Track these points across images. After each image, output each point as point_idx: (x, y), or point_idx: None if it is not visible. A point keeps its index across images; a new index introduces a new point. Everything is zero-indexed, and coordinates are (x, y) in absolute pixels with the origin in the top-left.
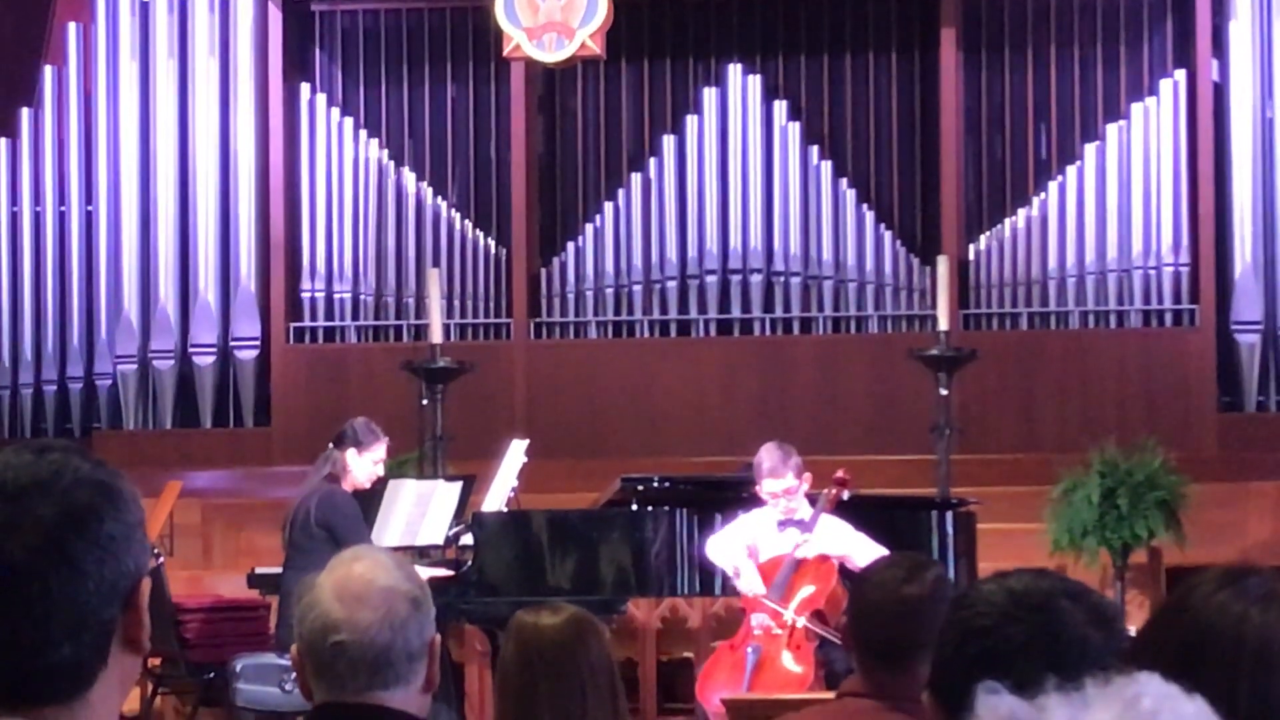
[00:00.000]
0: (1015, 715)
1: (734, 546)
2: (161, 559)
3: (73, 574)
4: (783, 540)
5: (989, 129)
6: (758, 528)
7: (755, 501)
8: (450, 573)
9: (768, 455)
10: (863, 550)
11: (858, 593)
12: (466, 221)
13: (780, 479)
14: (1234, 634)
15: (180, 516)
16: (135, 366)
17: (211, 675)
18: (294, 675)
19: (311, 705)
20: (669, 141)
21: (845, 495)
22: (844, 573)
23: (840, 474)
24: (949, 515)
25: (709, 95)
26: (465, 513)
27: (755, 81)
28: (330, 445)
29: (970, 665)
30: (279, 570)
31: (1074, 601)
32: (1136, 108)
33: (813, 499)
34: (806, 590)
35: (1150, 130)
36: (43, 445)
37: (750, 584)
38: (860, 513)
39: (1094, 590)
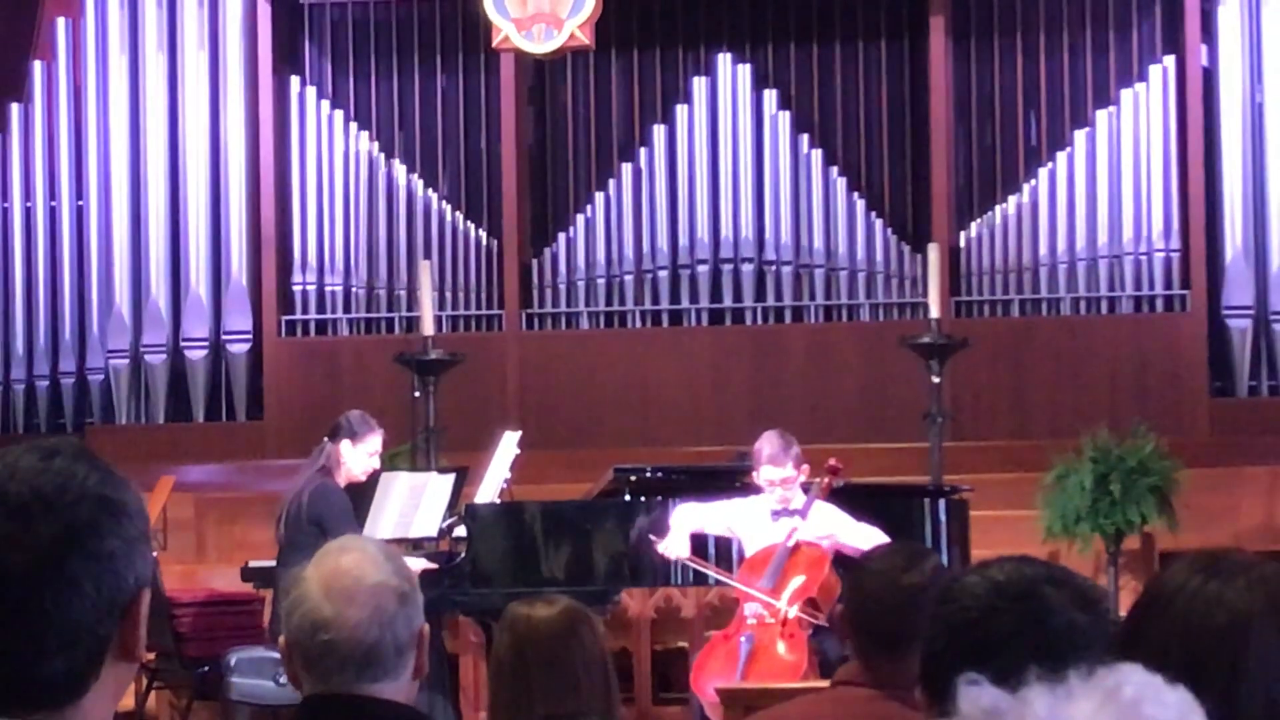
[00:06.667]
0: (997, 706)
1: (699, 515)
2: (154, 554)
3: (70, 591)
4: (776, 530)
5: (979, 116)
6: (750, 516)
7: (748, 490)
8: (442, 566)
9: (769, 443)
10: (854, 533)
11: (857, 582)
12: (457, 213)
13: (780, 467)
14: (1203, 615)
15: (173, 511)
16: (127, 361)
17: (206, 669)
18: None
19: (302, 697)
20: (659, 131)
21: (838, 483)
22: (838, 560)
23: (832, 462)
24: (941, 503)
25: (699, 85)
26: (458, 504)
27: (745, 71)
28: (325, 439)
29: (960, 659)
30: (273, 564)
31: (1058, 587)
32: (1126, 94)
33: (805, 487)
34: (799, 579)
35: (1140, 116)
36: (50, 448)
37: (670, 546)
38: (853, 501)
39: (1077, 574)
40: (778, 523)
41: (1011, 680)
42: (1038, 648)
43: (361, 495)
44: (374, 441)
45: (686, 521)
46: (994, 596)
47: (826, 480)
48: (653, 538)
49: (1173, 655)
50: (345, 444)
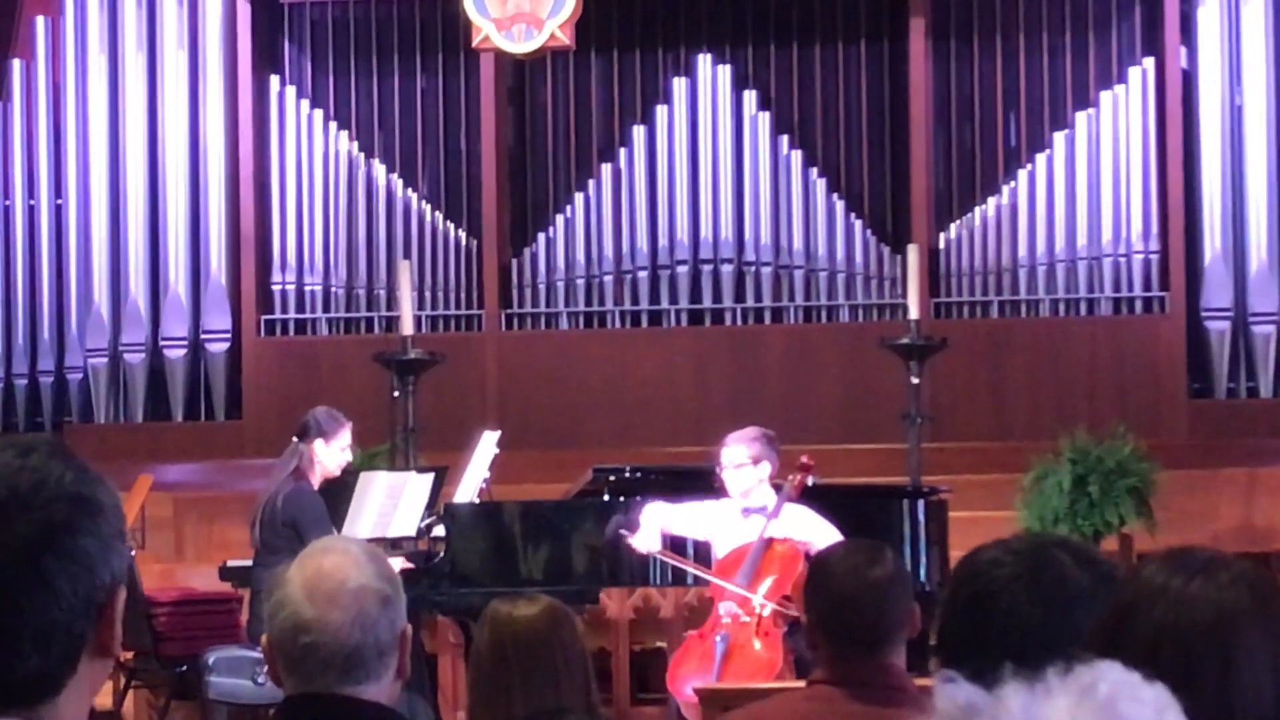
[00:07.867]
0: (973, 703)
1: (669, 512)
2: (133, 553)
3: (45, 592)
4: (747, 528)
5: (958, 118)
6: (721, 517)
7: (726, 491)
8: (421, 566)
9: (730, 435)
10: (828, 537)
11: (822, 584)
12: (437, 213)
13: (725, 448)
14: (1191, 615)
15: (152, 510)
16: (106, 360)
17: (184, 668)
18: (266, 667)
19: (283, 696)
20: (639, 132)
21: (810, 482)
22: (809, 559)
23: (804, 460)
24: (920, 503)
25: (679, 85)
26: (437, 504)
27: (725, 71)
28: (295, 439)
29: (964, 611)
30: (250, 563)
31: (1060, 547)
32: (1105, 96)
33: (777, 486)
34: (773, 576)
35: (1119, 118)
36: (26, 446)
37: (641, 540)
38: (831, 502)
39: (1087, 543)
40: (748, 519)
41: (986, 678)
42: (1034, 595)
43: (339, 494)
44: (345, 436)
45: (657, 517)
46: (1000, 553)
47: (798, 478)
48: (624, 533)
49: (1163, 656)
50: (318, 443)
